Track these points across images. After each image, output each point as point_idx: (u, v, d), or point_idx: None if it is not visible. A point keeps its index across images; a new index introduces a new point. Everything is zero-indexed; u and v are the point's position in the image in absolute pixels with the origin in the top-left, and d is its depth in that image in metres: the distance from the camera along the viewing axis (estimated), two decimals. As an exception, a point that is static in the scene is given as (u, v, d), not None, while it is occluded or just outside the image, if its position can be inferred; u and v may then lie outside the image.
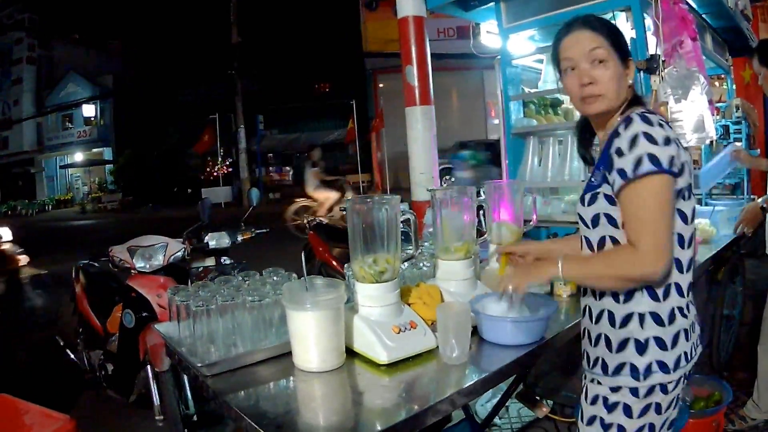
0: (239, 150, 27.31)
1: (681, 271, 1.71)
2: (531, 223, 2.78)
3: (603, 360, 1.76)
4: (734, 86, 5.71)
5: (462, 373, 1.76)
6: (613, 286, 1.72)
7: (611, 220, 1.70)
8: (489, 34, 4.87)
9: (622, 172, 1.61)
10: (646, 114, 1.67)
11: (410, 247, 2.30)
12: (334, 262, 6.26)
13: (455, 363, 1.78)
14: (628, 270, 1.62)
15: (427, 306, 2.00)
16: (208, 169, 31.11)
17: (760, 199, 3.49)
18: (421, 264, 2.41)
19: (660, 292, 1.68)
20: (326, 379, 1.74)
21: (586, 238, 1.82)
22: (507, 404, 3.52)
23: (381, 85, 26.48)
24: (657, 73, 3.22)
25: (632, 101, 1.79)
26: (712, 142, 4.53)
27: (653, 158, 1.57)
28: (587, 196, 1.76)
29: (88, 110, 39.27)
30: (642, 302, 1.69)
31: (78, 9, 38.36)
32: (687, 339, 1.70)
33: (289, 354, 1.84)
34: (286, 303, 1.78)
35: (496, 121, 24.13)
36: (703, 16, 4.63)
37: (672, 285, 1.69)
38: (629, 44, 1.88)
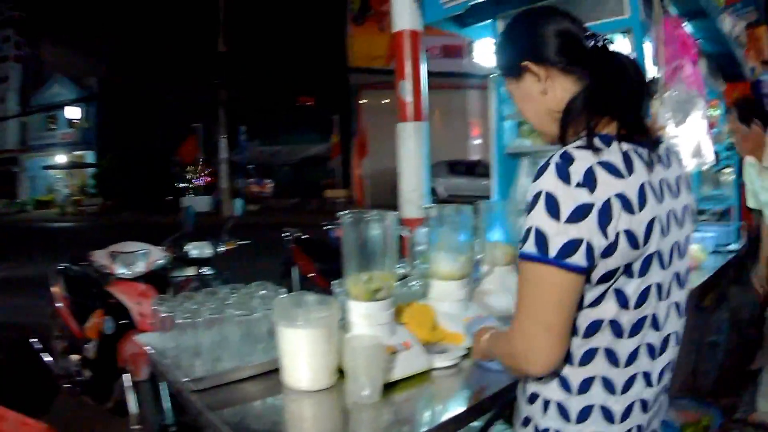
0: (220, 160, 27.14)
1: (616, 364, 1.28)
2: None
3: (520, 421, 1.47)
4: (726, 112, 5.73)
5: (457, 396, 1.72)
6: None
7: None
8: (483, 52, 4.83)
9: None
10: (575, 153, 1.19)
11: (401, 266, 2.25)
12: (316, 277, 6.20)
13: (366, 402, 1.63)
14: (507, 361, 1.36)
15: (422, 326, 1.94)
16: (188, 177, 30.97)
17: None
18: (413, 283, 2.36)
19: (574, 383, 1.30)
20: (317, 398, 1.68)
21: None
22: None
23: (365, 101, 26.32)
24: (657, 96, 3.20)
25: (568, 117, 1.32)
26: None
27: (540, 240, 1.17)
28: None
29: (73, 112, 39.07)
30: (549, 387, 1.33)
31: (67, 9, 38.23)
32: None
33: (277, 371, 1.77)
34: (278, 319, 1.72)
35: (478, 141, 24.39)
36: (699, 41, 4.64)
37: (596, 379, 1.29)
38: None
